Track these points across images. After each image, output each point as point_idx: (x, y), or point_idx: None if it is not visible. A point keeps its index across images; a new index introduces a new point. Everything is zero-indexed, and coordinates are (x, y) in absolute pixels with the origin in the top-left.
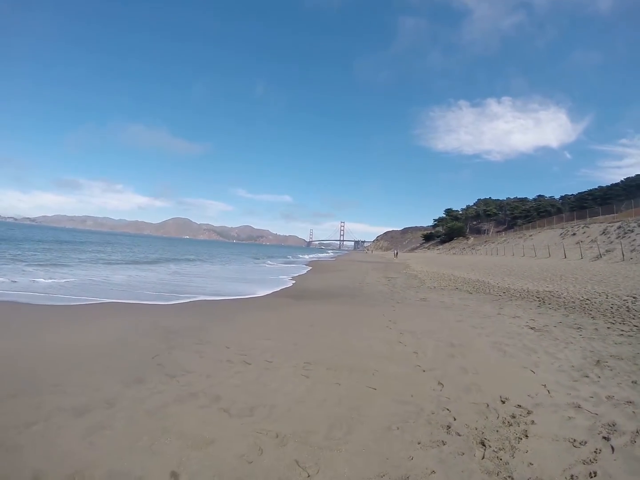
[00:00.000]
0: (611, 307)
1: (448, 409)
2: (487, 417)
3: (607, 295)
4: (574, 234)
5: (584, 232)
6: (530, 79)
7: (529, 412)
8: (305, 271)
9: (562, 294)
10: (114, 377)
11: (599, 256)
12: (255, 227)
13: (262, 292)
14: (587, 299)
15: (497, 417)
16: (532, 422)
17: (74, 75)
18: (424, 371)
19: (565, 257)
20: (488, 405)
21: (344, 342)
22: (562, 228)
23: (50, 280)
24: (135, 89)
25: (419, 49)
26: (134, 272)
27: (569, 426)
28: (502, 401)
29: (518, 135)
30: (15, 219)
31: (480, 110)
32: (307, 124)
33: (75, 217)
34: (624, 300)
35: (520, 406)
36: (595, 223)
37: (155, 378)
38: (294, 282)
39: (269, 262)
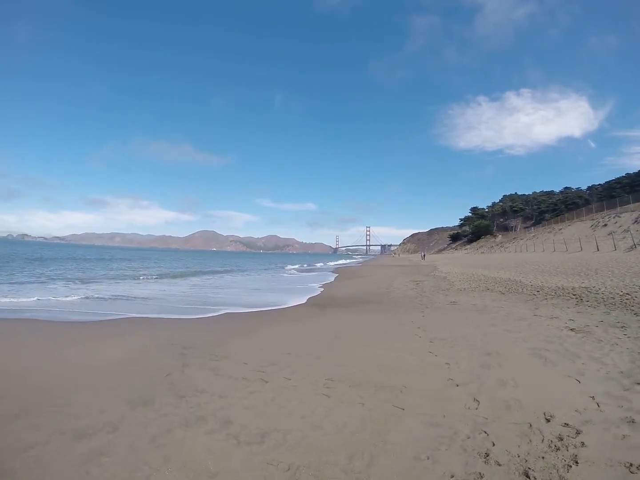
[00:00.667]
0: None
1: (485, 432)
2: (530, 441)
3: None
4: (605, 225)
5: (616, 222)
6: (548, 68)
7: (577, 432)
8: (331, 278)
9: (599, 289)
10: (121, 398)
11: (634, 246)
12: (281, 237)
13: (287, 302)
14: (627, 294)
15: (542, 440)
16: (582, 444)
17: (96, 95)
18: (457, 386)
19: (598, 250)
20: (531, 426)
21: (370, 354)
22: (592, 219)
23: (73, 298)
24: (156, 107)
25: (433, 47)
26: (158, 286)
27: (624, 447)
28: (546, 419)
29: (540, 126)
30: (46, 239)
31: (499, 104)
32: (327, 131)
33: (103, 234)
34: None
35: (567, 425)
36: (626, 212)
37: (164, 399)
38: (319, 290)
39: (294, 270)
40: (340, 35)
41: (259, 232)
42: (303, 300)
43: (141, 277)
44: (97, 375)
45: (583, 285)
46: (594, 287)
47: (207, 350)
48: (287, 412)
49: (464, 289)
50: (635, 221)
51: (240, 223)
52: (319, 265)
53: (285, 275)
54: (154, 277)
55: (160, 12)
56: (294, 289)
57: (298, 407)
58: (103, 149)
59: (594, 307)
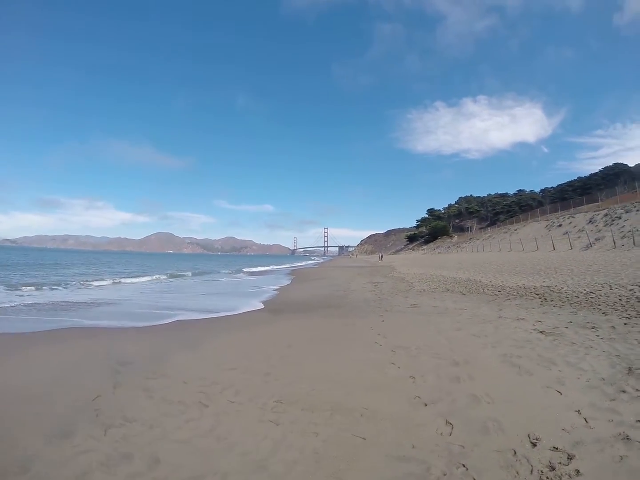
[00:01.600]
0: (620, 299)
1: (464, 465)
2: (517, 473)
3: (610, 286)
4: (560, 225)
5: (570, 223)
6: (505, 77)
7: (569, 457)
8: (287, 281)
9: (562, 288)
10: (38, 429)
11: (589, 245)
12: (238, 238)
13: (240, 308)
14: (590, 292)
15: (531, 471)
16: (577, 472)
17: (54, 95)
18: (425, 405)
19: (554, 249)
20: (515, 453)
21: (326, 367)
22: (547, 220)
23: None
24: (117, 107)
25: (396, 53)
26: (107, 291)
27: (624, 471)
28: (532, 443)
29: (495, 132)
30: None
31: (456, 109)
32: (288, 134)
33: (56, 236)
34: (630, 290)
35: (556, 449)
36: (580, 213)
37: (87, 430)
38: (274, 294)
39: (248, 273)
40: (305, 39)
41: (216, 234)
42: (257, 306)
43: (88, 282)
44: (14, 399)
45: (544, 284)
46: (555, 286)
47: (146, 366)
48: (227, 447)
49: (424, 290)
50: (590, 221)
51: (197, 225)
52: (274, 267)
53: (240, 278)
54: (105, 281)
55: (121, 10)
56: (249, 292)
57: (240, 440)
58: (60, 149)
59: (560, 307)
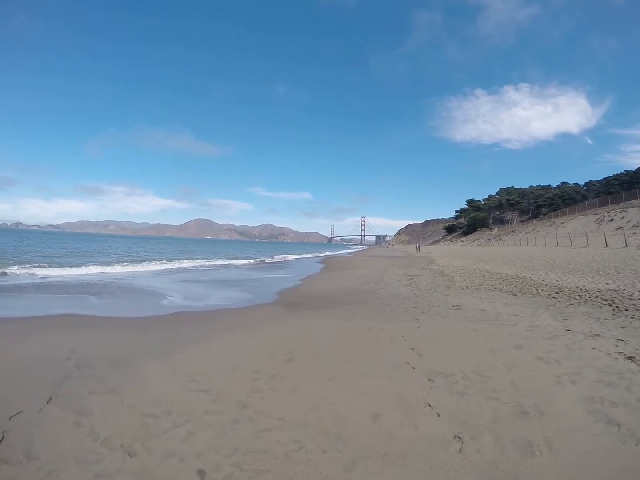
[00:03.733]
0: None
1: None
2: None
3: None
4: (612, 220)
5: (623, 217)
6: (548, 66)
7: None
8: (317, 269)
9: (632, 293)
10: None
11: None
12: (276, 225)
13: (255, 299)
14: None
15: None
16: None
17: (97, 87)
18: None
19: (607, 246)
20: None
21: (328, 402)
22: (596, 214)
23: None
24: (158, 97)
25: (435, 43)
26: (125, 272)
27: None
28: None
29: (537, 122)
30: (40, 227)
31: (497, 98)
32: (325, 124)
33: (98, 222)
34: None
35: None
36: (633, 207)
37: None
38: (296, 284)
39: (280, 259)
40: (343, 29)
41: (254, 221)
42: (272, 298)
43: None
44: None
45: (609, 287)
46: (624, 290)
47: (102, 374)
48: None
49: (467, 287)
50: None
51: (235, 212)
52: (308, 255)
53: (268, 265)
54: (126, 262)
55: (161, 5)
56: (271, 281)
57: None
58: (100, 137)
59: None
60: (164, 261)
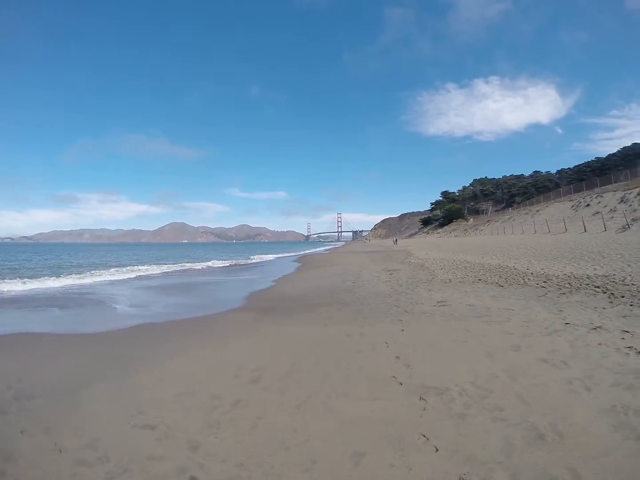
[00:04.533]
0: None
1: None
2: None
3: None
4: (588, 205)
5: (599, 202)
6: (518, 59)
7: None
8: (293, 269)
9: (624, 278)
10: None
11: (627, 226)
12: (252, 226)
13: (226, 304)
14: None
15: None
16: None
17: (67, 96)
18: None
19: (585, 231)
20: None
21: (299, 438)
22: (571, 200)
23: None
24: (133, 103)
25: (407, 39)
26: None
27: None
28: None
29: (508, 113)
30: (12, 239)
31: (468, 91)
32: (300, 123)
33: (72, 231)
34: None
35: None
36: (608, 192)
37: None
38: (270, 285)
39: (255, 260)
40: (316, 28)
41: (230, 222)
42: (244, 302)
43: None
44: None
45: (598, 272)
46: (614, 275)
47: (41, 406)
48: None
49: (450, 280)
50: (622, 200)
51: (211, 214)
52: (284, 254)
53: (242, 266)
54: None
55: (133, 10)
56: (243, 284)
57: None
58: (75, 145)
59: None
60: (132, 268)
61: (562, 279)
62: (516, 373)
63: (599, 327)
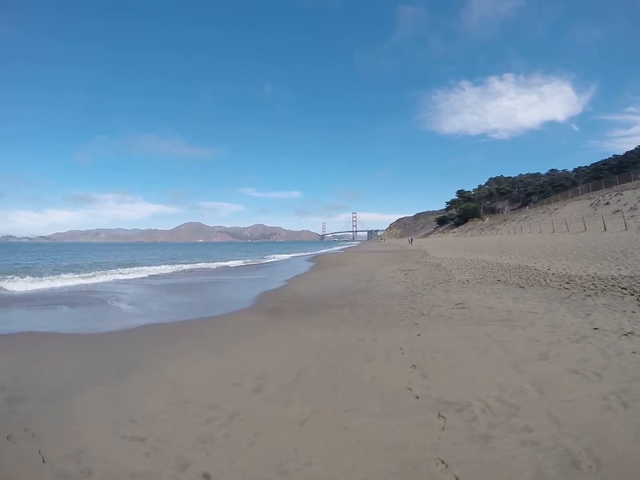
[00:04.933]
0: None
1: None
2: None
3: None
4: (607, 203)
5: (619, 200)
6: (532, 56)
7: None
8: (306, 268)
9: None
10: None
11: None
12: (267, 225)
13: (230, 306)
14: None
15: None
16: None
17: (83, 95)
18: None
19: (606, 230)
20: None
21: (300, 461)
22: (590, 198)
23: None
24: (147, 103)
25: (419, 37)
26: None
27: None
28: None
29: (523, 111)
30: (30, 239)
31: (482, 89)
32: (314, 122)
33: (88, 231)
34: None
35: None
36: (628, 190)
37: None
38: (281, 285)
39: (269, 259)
40: (328, 27)
41: (245, 222)
42: (253, 303)
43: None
44: None
45: (623, 273)
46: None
47: (32, 409)
48: None
49: (467, 280)
50: None
51: (226, 214)
52: (298, 253)
53: (255, 265)
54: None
55: (147, 11)
56: (254, 283)
57: None
58: (90, 145)
59: None
60: (146, 268)
61: (585, 279)
62: (545, 386)
63: (631, 332)
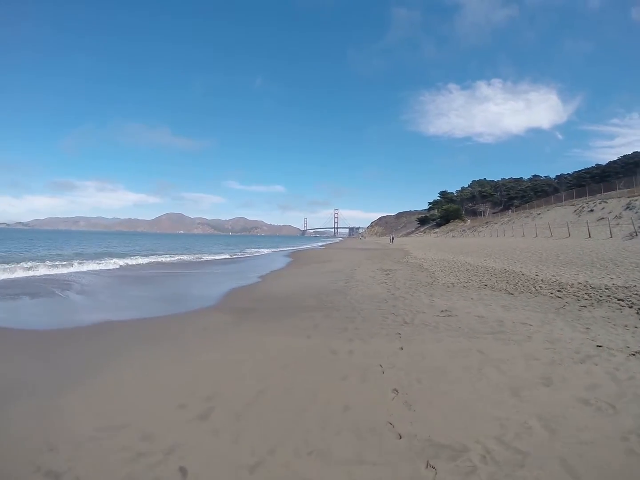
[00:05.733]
0: None
1: None
2: None
3: None
4: (592, 210)
5: (603, 208)
6: (521, 64)
7: None
8: (283, 264)
9: None
10: None
11: (635, 234)
12: (249, 219)
13: (193, 304)
14: None
15: None
16: None
17: (71, 83)
18: None
19: (590, 237)
20: None
21: None
22: (573, 205)
23: None
24: (135, 92)
25: (412, 39)
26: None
27: None
28: None
29: (509, 116)
30: (8, 225)
31: (470, 92)
32: (301, 118)
33: (68, 218)
34: None
35: None
36: (612, 198)
37: None
38: (254, 282)
39: (248, 253)
40: (322, 24)
41: (227, 215)
42: (219, 301)
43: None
44: None
45: (616, 283)
46: (635, 286)
47: None
48: None
49: (452, 284)
50: (627, 207)
51: (208, 205)
52: (277, 248)
53: (230, 259)
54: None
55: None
56: (224, 279)
57: None
58: (75, 133)
59: None
60: (118, 259)
61: (577, 288)
62: (554, 422)
63: (638, 352)
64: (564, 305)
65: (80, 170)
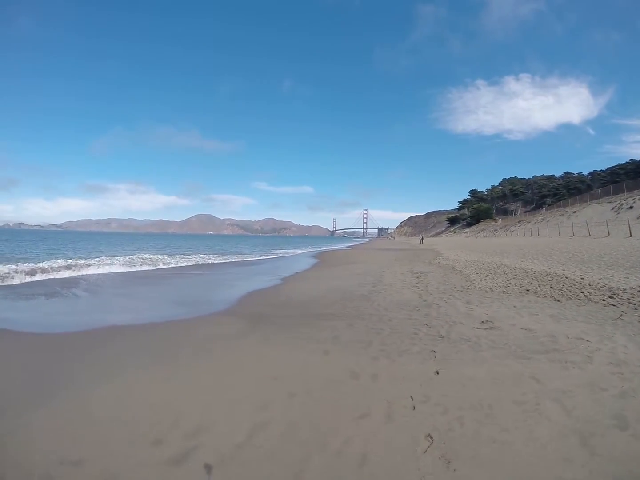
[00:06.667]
0: None
1: None
2: None
3: None
4: (631, 207)
5: None
6: (549, 58)
7: None
8: (308, 265)
9: None
10: None
11: None
12: (278, 219)
13: (204, 309)
14: None
15: None
16: None
17: (103, 86)
18: None
19: (631, 235)
20: None
21: None
22: (610, 202)
23: None
24: (166, 97)
25: (438, 36)
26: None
27: None
28: None
29: (538, 112)
30: (42, 227)
31: (498, 88)
32: (328, 119)
33: (100, 220)
34: None
35: None
36: None
37: None
38: (277, 283)
39: (271, 254)
40: (347, 25)
41: (256, 216)
42: (233, 305)
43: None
44: None
45: None
46: None
47: None
48: None
49: (490, 288)
50: None
51: (237, 207)
52: (305, 249)
53: (255, 260)
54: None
55: (166, 5)
56: (245, 281)
57: None
58: (107, 136)
59: None
60: (144, 258)
61: (632, 294)
62: None
63: None
64: (621, 315)
65: (113, 173)
